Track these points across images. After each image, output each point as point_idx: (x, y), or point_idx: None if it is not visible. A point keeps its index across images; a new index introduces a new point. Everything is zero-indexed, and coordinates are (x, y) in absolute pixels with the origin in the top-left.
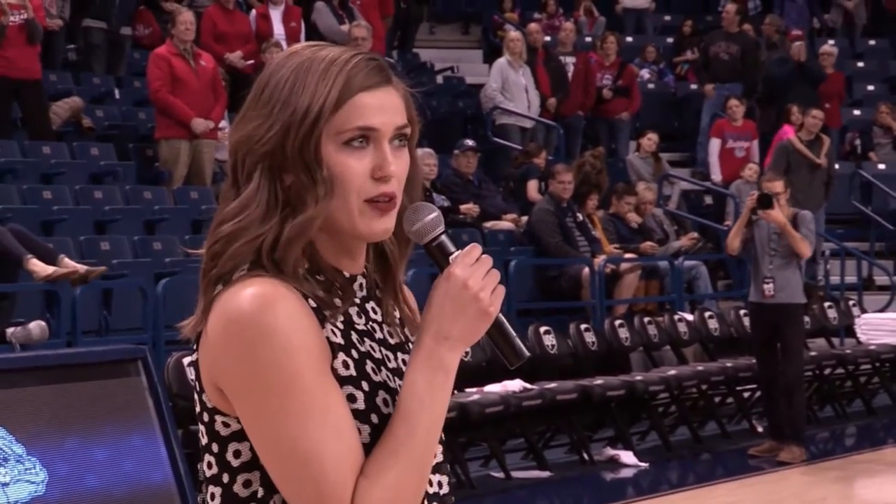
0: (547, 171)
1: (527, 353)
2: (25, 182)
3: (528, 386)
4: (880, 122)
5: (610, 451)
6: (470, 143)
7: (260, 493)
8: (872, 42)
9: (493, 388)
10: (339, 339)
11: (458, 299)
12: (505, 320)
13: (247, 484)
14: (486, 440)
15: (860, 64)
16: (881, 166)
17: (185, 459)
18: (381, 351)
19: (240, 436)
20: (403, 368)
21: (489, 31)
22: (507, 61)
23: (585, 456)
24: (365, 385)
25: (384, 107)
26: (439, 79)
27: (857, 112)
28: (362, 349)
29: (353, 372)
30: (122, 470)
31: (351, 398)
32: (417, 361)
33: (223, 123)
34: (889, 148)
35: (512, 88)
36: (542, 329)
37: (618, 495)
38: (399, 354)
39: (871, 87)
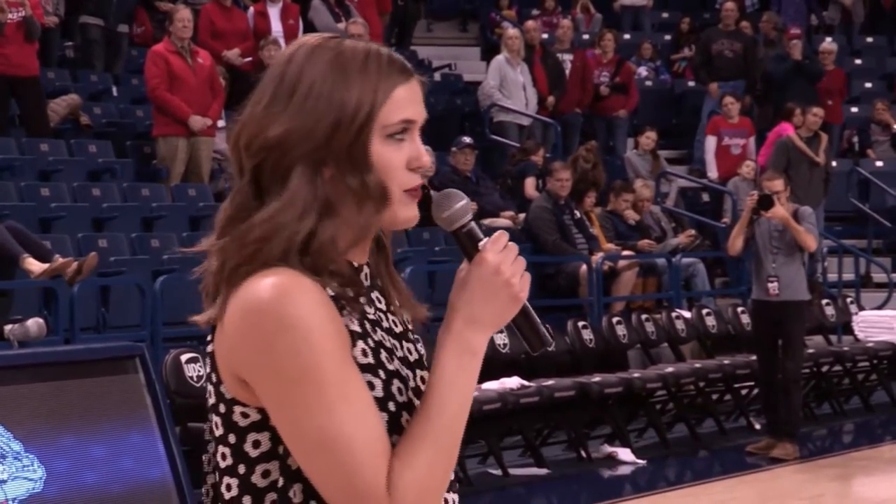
0: (545, 169)
1: (551, 341)
2: (23, 179)
3: (526, 383)
4: (878, 119)
5: (607, 449)
6: (467, 140)
7: (280, 483)
8: (870, 39)
9: (491, 386)
10: (356, 328)
11: (490, 284)
12: (530, 307)
13: (266, 474)
14: (484, 437)
15: (858, 61)
16: (879, 163)
17: (182, 456)
18: (389, 340)
19: (259, 426)
20: (410, 357)
21: (487, 28)
22: (505, 58)
23: (583, 453)
24: (381, 373)
25: (416, 99)
26: (437, 76)
27: (854, 109)
28: (376, 338)
29: (371, 360)
30: (120, 467)
31: (370, 386)
32: (447, 344)
33: (220, 122)
34: (887, 145)
35: (510, 86)
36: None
37: (615, 493)
38: (404, 343)
39: (868, 84)
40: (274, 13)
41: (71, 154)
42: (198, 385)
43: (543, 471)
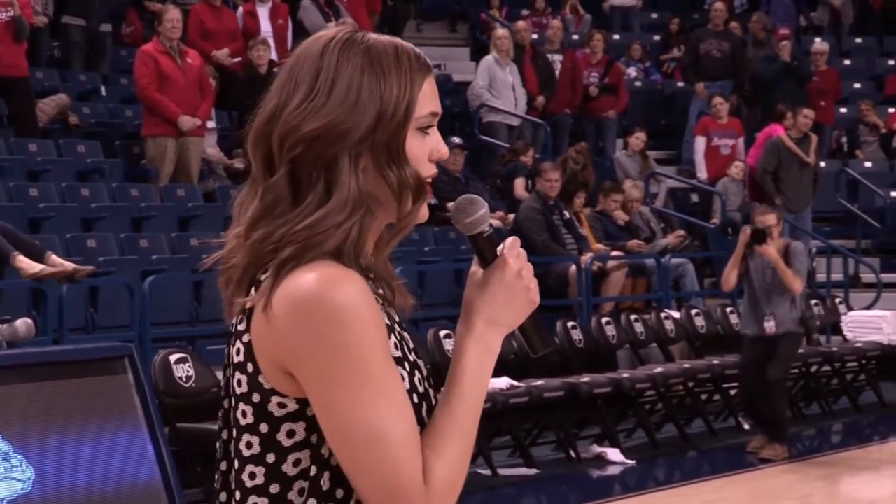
0: (534, 169)
1: (554, 343)
2: (12, 179)
3: (515, 383)
4: (866, 120)
5: (597, 449)
6: (457, 140)
7: (312, 471)
8: (859, 40)
9: None
10: (387, 321)
11: (512, 288)
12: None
13: (297, 463)
14: None
15: (847, 62)
16: (867, 164)
17: (171, 457)
18: (402, 332)
19: (295, 416)
20: (411, 345)
21: (476, 28)
22: (495, 59)
23: (572, 453)
24: (406, 365)
25: (436, 92)
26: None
27: (843, 110)
28: (397, 330)
29: (399, 353)
30: (109, 467)
31: (401, 377)
32: (469, 343)
33: (211, 123)
34: (875, 146)
35: (499, 86)
36: None
37: (604, 493)
38: (405, 335)
39: (857, 85)
40: (263, 13)
41: (60, 154)
42: (186, 385)
43: (533, 471)
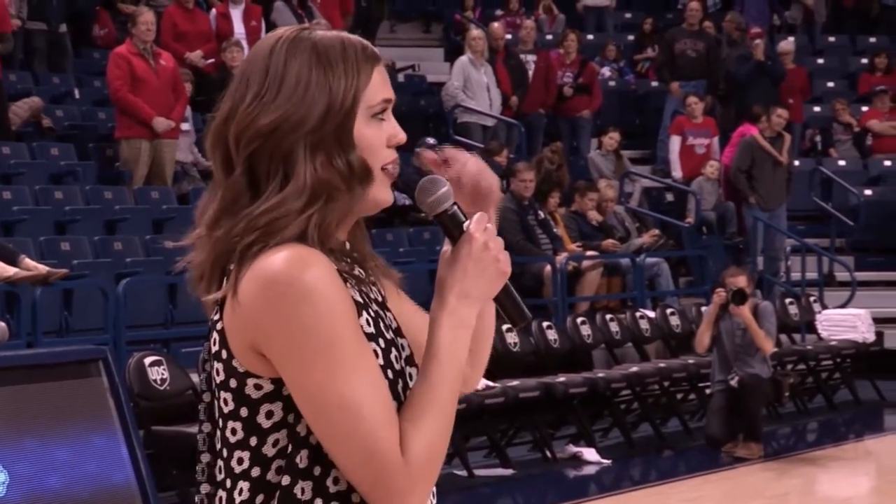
0: (508, 170)
1: (531, 316)
2: None
3: (491, 384)
4: (840, 119)
5: (573, 449)
6: (431, 141)
7: (288, 449)
8: (832, 39)
9: None
10: (359, 298)
11: (480, 260)
12: (510, 284)
13: (275, 443)
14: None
15: (820, 61)
16: (841, 162)
17: (146, 460)
18: (380, 310)
19: (272, 397)
20: (392, 325)
21: (450, 29)
22: (469, 59)
23: (548, 453)
24: (381, 342)
25: (387, 80)
26: (400, 77)
27: (817, 109)
28: (373, 308)
29: (372, 329)
30: (84, 470)
31: (374, 354)
32: (442, 318)
33: (186, 126)
34: (849, 144)
35: (473, 86)
36: (505, 327)
37: (581, 493)
38: (387, 313)
39: (830, 84)
40: (236, 15)
41: (33, 157)
42: (161, 388)
43: (509, 471)
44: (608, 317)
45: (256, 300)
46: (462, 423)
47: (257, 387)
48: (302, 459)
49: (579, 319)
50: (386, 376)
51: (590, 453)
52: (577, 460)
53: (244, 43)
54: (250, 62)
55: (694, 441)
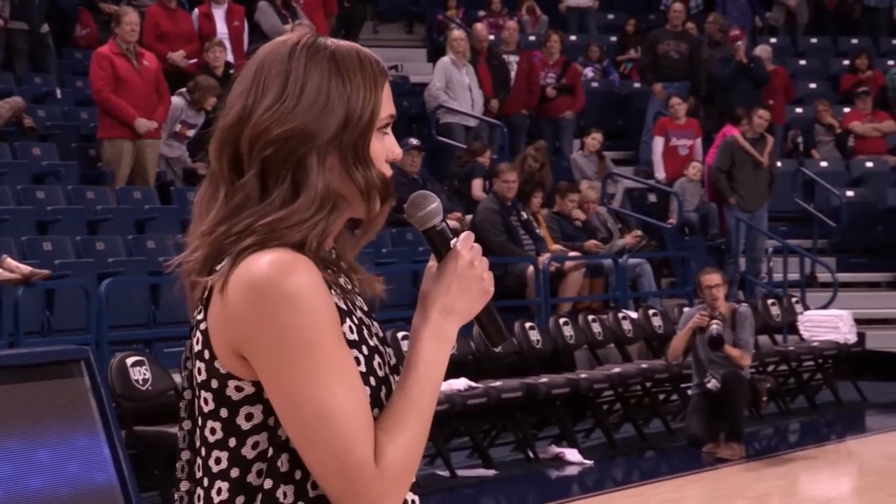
0: (491, 170)
1: (509, 336)
2: None
3: (474, 384)
4: (822, 120)
5: (555, 449)
6: (414, 142)
7: (270, 453)
8: (814, 40)
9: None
10: (343, 305)
11: (465, 278)
12: (493, 306)
13: (255, 445)
14: (432, 438)
15: (802, 62)
16: (823, 164)
17: (128, 460)
18: (364, 318)
19: (252, 399)
20: (380, 334)
21: (433, 30)
22: (451, 60)
23: (530, 454)
24: (364, 349)
25: (391, 95)
26: None
27: (799, 110)
28: (357, 315)
29: (356, 337)
30: (66, 471)
31: (356, 361)
32: (425, 333)
33: (191, 132)
34: (831, 145)
35: (455, 87)
36: None
37: (563, 493)
38: (373, 321)
39: (813, 85)
40: (219, 15)
41: (15, 157)
42: (143, 388)
43: (491, 472)
44: (591, 318)
45: (240, 301)
46: (444, 423)
47: (238, 389)
48: (283, 463)
49: (562, 320)
50: (368, 383)
51: (572, 454)
52: (560, 461)
53: (227, 43)
54: (265, 65)
55: (676, 441)
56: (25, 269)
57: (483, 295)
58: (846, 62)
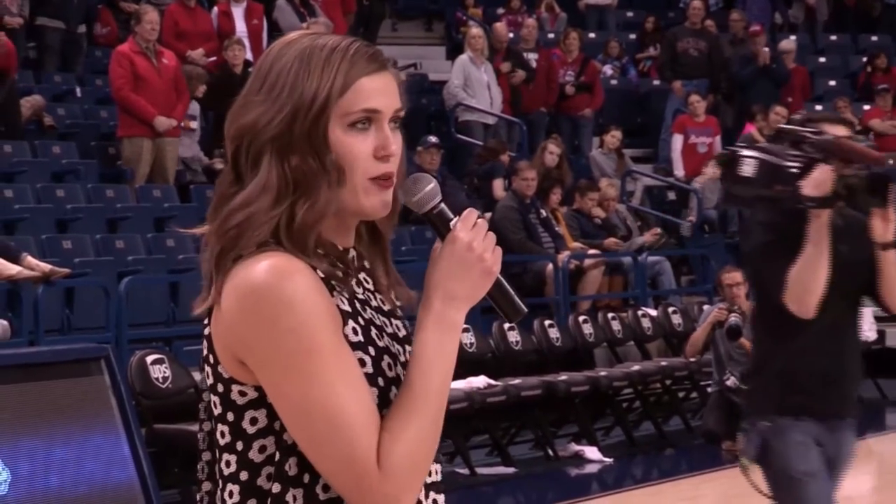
0: (510, 168)
1: (525, 310)
2: None
3: (493, 382)
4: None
5: (574, 447)
6: (433, 139)
7: (277, 457)
8: (834, 37)
9: (458, 385)
10: (347, 307)
11: (464, 261)
12: (502, 279)
13: (262, 449)
14: (451, 436)
15: (822, 59)
16: None
17: (148, 458)
18: (379, 318)
19: (256, 403)
20: (399, 333)
21: (452, 27)
22: (469, 58)
23: (550, 452)
24: (371, 350)
25: (384, 90)
26: (402, 75)
27: (818, 107)
28: (366, 316)
29: (361, 338)
30: (85, 469)
31: (361, 363)
32: (428, 323)
33: (194, 124)
34: None
35: (474, 85)
36: (507, 325)
37: (582, 491)
38: (393, 320)
39: (832, 83)
40: (238, 13)
41: (35, 155)
42: (163, 386)
43: (510, 470)
44: (610, 315)
45: (235, 311)
46: (464, 421)
47: (242, 393)
48: (291, 467)
49: (581, 318)
50: (376, 385)
51: (591, 452)
52: (579, 459)
53: (246, 41)
54: (260, 62)
55: (695, 439)
56: (45, 267)
57: (486, 276)
58: (866, 59)
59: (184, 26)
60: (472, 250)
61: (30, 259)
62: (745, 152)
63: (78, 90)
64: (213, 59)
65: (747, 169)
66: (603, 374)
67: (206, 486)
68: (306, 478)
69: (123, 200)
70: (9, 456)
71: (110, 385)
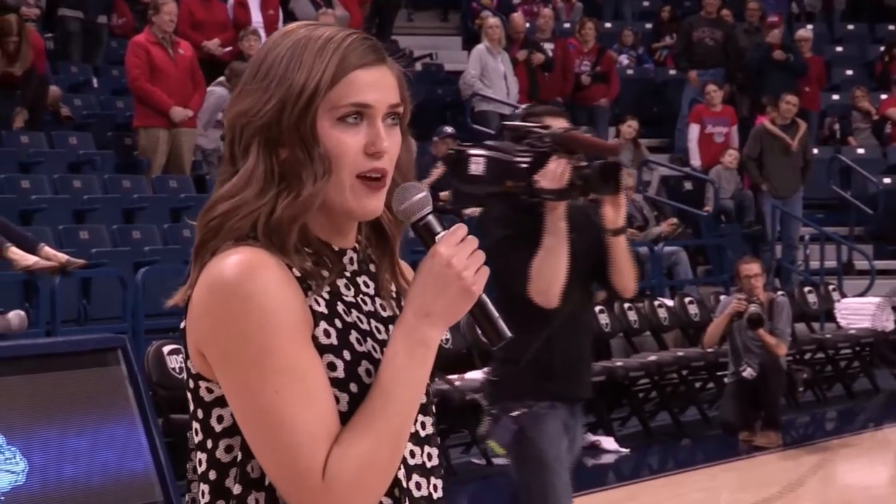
0: None
1: (508, 334)
2: (3, 171)
3: None
4: (859, 107)
5: (591, 437)
6: (449, 129)
7: (239, 458)
8: (851, 27)
9: (474, 375)
10: (321, 308)
11: (441, 277)
12: (488, 301)
13: (228, 449)
14: (468, 427)
15: (839, 49)
16: (860, 151)
17: (165, 448)
18: (369, 323)
19: (223, 401)
20: (380, 336)
21: (468, 17)
22: (486, 48)
23: None
24: (346, 354)
25: (378, 84)
26: (418, 66)
27: (835, 97)
28: (348, 319)
29: (334, 341)
30: (102, 459)
31: (331, 366)
32: (398, 336)
33: (219, 115)
34: (868, 132)
35: (490, 75)
36: None
37: (599, 481)
38: (390, 327)
39: (849, 72)
40: (254, 3)
41: (51, 146)
42: (180, 377)
43: None
44: (626, 305)
45: (201, 305)
46: (480, 411)
47: (209, 390)
48: (253, 469)
49: (597, 308)
50: (347, 390)
51: (608, 442)
52: (596, 449)
53: (261, 31)
54: (256, 51)
55: (712, 429)
56: (62, 257)
57: (464, 294)
58: (883, 49)
59: (199, 16)
60: (450, 267)
61: (47, 249)
62: (473, 151)
63: (94, 81)
64: (229, 49)
65: (476, 167)
66: (619, 364)
67: (195, 486)
68: (267, 480)
69: (140, 191)
70: (26, 446)
71: (127, 375)
